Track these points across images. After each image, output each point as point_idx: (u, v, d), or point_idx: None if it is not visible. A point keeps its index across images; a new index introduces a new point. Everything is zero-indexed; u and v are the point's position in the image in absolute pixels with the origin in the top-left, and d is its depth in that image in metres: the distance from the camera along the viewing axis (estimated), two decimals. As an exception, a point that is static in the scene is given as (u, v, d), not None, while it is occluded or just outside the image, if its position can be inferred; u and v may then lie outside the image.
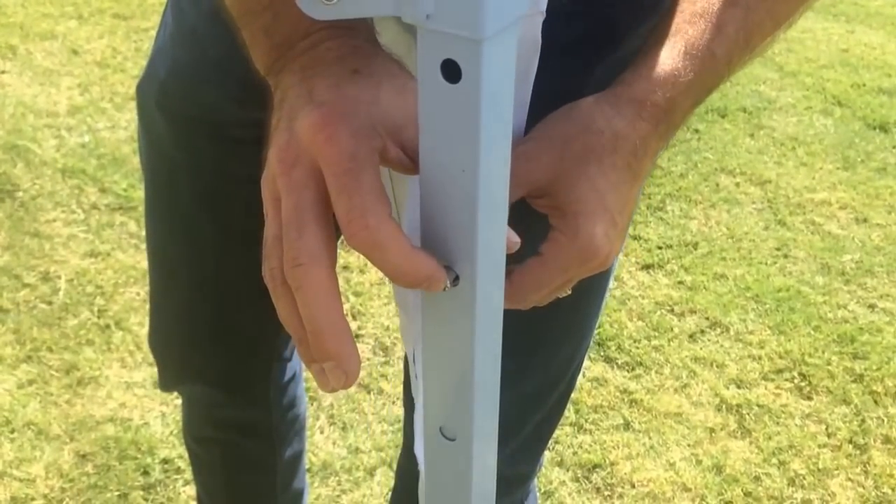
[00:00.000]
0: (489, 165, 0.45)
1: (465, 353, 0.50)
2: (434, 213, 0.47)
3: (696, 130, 2.92)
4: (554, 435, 1.81)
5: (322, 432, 1.78)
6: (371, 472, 1.70)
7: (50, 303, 2.03)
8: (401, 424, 1.80)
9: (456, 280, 0.48)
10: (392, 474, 1.70)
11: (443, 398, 0.53)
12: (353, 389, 1.88)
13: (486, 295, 0.49)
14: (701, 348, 2.04)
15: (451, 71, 0.43)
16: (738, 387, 1.94)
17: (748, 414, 1.88)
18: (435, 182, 0.47)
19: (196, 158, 0.89)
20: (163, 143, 0.91)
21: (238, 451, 1.23)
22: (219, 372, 1.08)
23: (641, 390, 1.92)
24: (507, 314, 0.52)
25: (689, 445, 1.80)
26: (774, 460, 1.78)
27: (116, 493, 1.61)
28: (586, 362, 1.97)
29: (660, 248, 2.36)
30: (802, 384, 1.96)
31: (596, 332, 2.04)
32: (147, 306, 2.02)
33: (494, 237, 0.49)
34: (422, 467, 0.58)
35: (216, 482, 1.28)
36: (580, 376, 1.94)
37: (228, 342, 1.04)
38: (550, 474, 1.72)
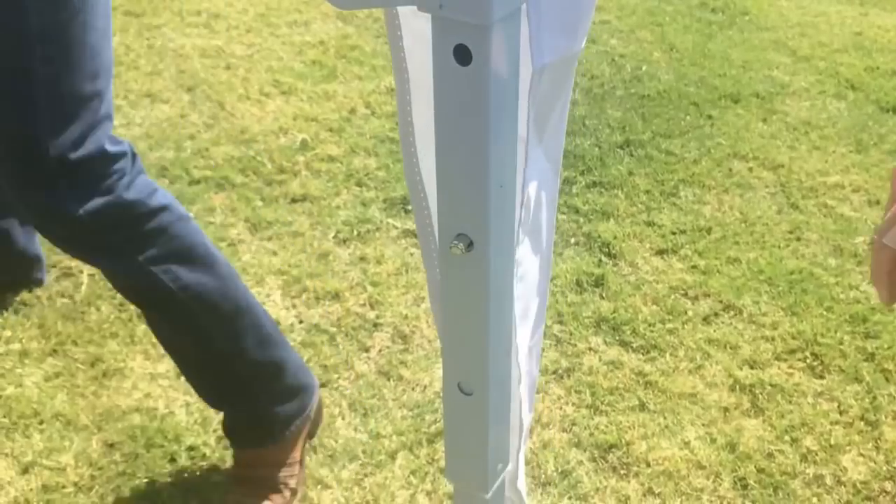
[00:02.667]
0: (498, 140, 0.49)
1: (480, 313, 0.54)
2: (450, 184, 0.52)
3: (710, 116, 2.93)
4: (571, 416, 1.84)
5: (343, 418, 1.81)
6: (392, 456, 1.73)
7: (72, 298, 2.07)
8: (420, 410, 1.83)
9: (470, 246, 0.52)
10: (412, 457, 1.73)
11: (460, 356, 0.58)
12: (373, 377, 1.91)
13: (498, 259, 0.53)
14: (715, 331, 2.07)
15: (463, 55, 0.47)
16: (752, 367, 1.97)
17: (761, 393, 1.90)
18: (450, 157, 0.51)
19: None
20: None
21: None
22: None
23: (656, 372, 1.95)
24: None
25: (703, 425, 1.83)
26: (787, 437, 1.80)
27: (145, 480, 1.65)
28: (602, 346, 2.00)
29: (674, 233, 2.39)
30: (815, 363, 1.98)
31: (611, 315, 2.07)
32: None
33: (505, 205, 0.53)
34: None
35: None
36: (596, 360, 1.97)
37: None
38: (568, 454, 1.75)
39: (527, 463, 1.75)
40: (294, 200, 2.44)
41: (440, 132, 0.51)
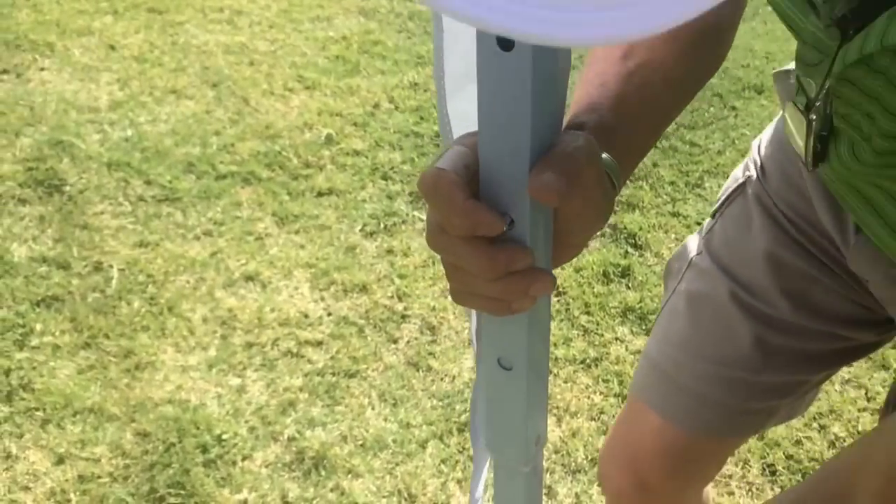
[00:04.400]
0: (539, 122, 0.51)
1: None
2: (491, 166, 0.54)
3: (733, 107, 2.93)
4: (599, 405, 1.85)
5: (373, 409, 1.83)
6: (423, 445, 1.74)
7: (103, 292, 2.09)
8: (449, 400, 1.84)
9: (511, 224, 0.53)
10: (443, 446, 1.74)
11: (500, 331, 0.60)
12: (402, 368, 1.92)
13: (536, 234, 0.55)
14: (742, 320, 2.07)
15: (505, 41, 0.49)
16: (781, 356, 1.97)
17: (791, 382, 1.90)
18: (491, 139, 0.53)
19: None
20: None
21: None
22: None
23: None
24: None
25: (733, 414, 1.83)
26: (815, 424, 1.80)
27: (179, 469, 1.67)
28: (629, 336, 2.00)
29: (698, 223, 2.38)
30: (844, 352, 1.98)
31: (637, 305, 2.08)
32: (197, 293, 2.07)
33: None
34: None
35: None
36: (623, 349, 1.97)
37: None
38: (597, 442, 1.75)
39: (557, 451, 1.76)
40: (320, 194, 2.46)
41: (482, 115, 0.53)
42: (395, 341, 1.99)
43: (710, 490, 1.23)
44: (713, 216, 0.99)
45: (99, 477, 1.66)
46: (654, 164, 2.61)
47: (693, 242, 1.00)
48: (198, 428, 1.76)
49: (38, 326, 1.97)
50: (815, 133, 0.73)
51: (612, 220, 2.38)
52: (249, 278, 2.15)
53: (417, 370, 1.92)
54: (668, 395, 0.98)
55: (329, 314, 2.06)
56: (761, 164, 0.93)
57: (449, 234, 0.53)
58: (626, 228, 2.34)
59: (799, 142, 0.77)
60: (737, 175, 0.97)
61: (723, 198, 0.97)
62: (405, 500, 1.66)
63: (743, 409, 0.96)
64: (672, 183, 2.54)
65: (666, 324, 1.00)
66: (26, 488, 1.63)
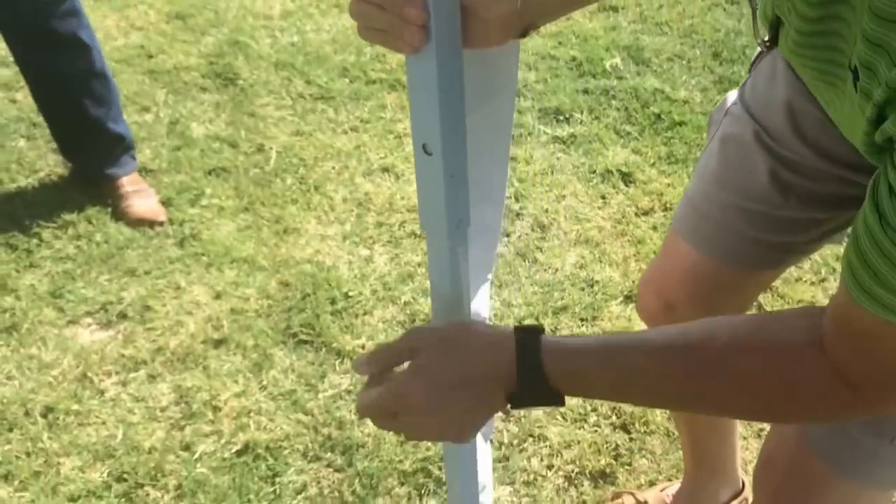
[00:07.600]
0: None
1: (431, 80, 0.70)
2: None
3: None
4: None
5: (481, 286, 2.07)
6: (520, 321, 1.98)
7: (263, 168, 2.41)
8: (549, 288, 2.06)
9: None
10: (539, 324, 1.96)
11: (422, 119, 0.73)
12: (510, 256, 2.16)
13: (442, 29, 0.68)
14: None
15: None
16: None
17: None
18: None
19: None
20: None
21: None
22: None
23: (778, 280, 2.09)
24: None
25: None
26: None
27: (311, 315, 1.97)
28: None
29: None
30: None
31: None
32: (340, 177, 2.35)
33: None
34: None
35: None
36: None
37: None
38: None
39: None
40: (457, 104, 2.69)
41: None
42: (508, 234, 2.22)
43: None
44: (749, 71, 1.11)
45: (247, 312, 1.98)
46: None
47: (732, 95, 1.14)
48: (330, 285, 2.05)
49: (209, 190, 2.31)
50: (763, 16, 0.87)
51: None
52: (386, 169, 2.42)
53: (524, 260, 2.15)
54: (697, 225, 1.12)
55: (453, 206, 2.31)
56: None
57: None
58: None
59: (752, 23, 0.93)
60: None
61: (756, 53, 1.09)
62: (499, 364, 1.90)
63: (759, 241, 1.09)
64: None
65: (703, 164, 1.14)
66: (189, 313, 1.97)
